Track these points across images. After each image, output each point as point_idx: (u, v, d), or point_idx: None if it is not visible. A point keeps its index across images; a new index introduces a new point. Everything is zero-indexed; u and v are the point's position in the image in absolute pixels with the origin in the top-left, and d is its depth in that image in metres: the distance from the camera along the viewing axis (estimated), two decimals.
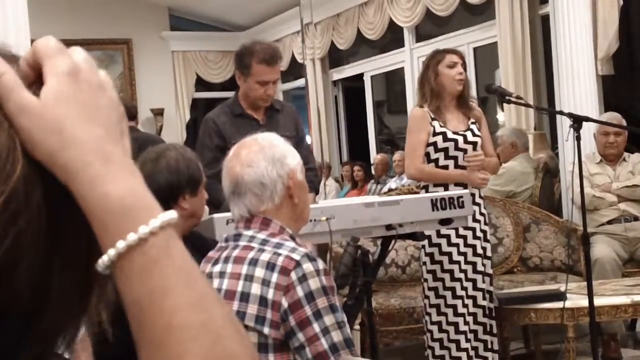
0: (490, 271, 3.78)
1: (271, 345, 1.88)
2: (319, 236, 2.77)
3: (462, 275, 3.66)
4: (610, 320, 4.05)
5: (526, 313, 3.79)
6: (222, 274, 1.98)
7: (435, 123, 3.70)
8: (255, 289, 1.89)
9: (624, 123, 4.71)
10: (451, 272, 3.66)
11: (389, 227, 2.96)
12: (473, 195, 3.58)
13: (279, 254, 1.91)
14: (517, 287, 4.47)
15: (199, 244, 2.56)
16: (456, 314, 3.66)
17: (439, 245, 3.66)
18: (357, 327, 3.75)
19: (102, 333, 2.19)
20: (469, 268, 3.67)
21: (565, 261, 4.86)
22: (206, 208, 2.78)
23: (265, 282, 1.88)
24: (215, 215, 2.64)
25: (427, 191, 3.68)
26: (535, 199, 5.42)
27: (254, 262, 1.92)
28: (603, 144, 4.84)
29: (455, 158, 3.69)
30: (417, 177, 3.83)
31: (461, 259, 3.66)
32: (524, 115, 6.45)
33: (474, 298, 3.67)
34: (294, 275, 1.87)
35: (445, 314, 3.68)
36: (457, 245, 3.66)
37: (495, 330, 3.75)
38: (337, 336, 1.88)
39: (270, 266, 1.89)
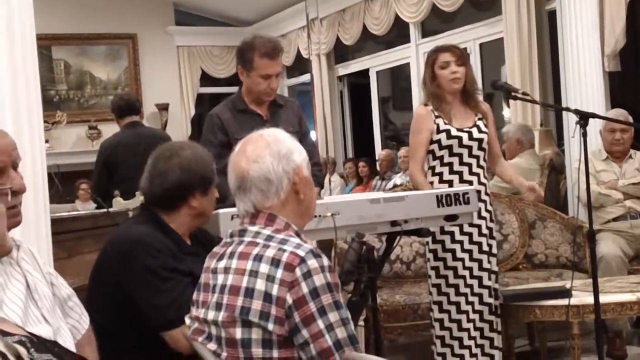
0: (495, 268, 3.76)
1: (275, 341, 1.88)
2: (324, 232, 2.76)
3: (466, 273, 3.65)
4: (615, 318, 4.04)
5: (531, 310, 3.78)
6: (227, 270, 1.98)
7: (440, 120, 3.69)
8: (260, 284, 1.88)
9: (631, 120, 4.70)
10: (454, 269, 3.65)
11: (394, 223, 2.95)
12: (479, 192, 3.56)
13: (284, 250, 1.90)
14: (522, 283, 4.46)
15: (204, 240, 2.56)
16: (459, 311, 3.65)
17: (442, 242, 3.65)
18: (361, 323, 3.74)
19: (104, 327, 2.17)
20: (475, 265, 3.65)
21: (570, 258, 4.85)
22: None
23: (270, 278, 1.88)
24: (221, 211, 2.63)
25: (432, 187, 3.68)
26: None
27: (258, 258, 1.92)
28: (609, 141, 4.82)
29: (459, 155, 3.67)
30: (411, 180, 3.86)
31: (465, 256, 3.65)
32: (530, 111, 6.44)
33: (480, 295, 3.66)
34: (298, 272, 1.86)
35: (448, 311, 3.66)
36: (461, 242, 3.65)
37: (499, 328, 3.74)
38: (342, 333, 1.88)
39: (275, 262, 1.89)
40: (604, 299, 3.49)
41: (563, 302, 3.64)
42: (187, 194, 2.44)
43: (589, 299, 3.45)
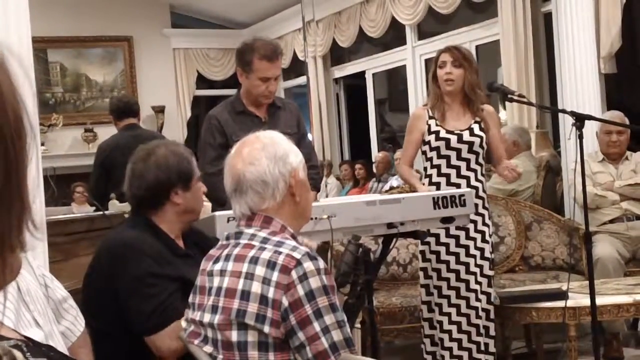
0: (488, 272, 3.71)
1: (271, 344, 1.88)
2: (320, 234, 2.76)
3: (451, 275, 3.65)
4: (612, 320, 4.04)
5: (528, 312, 3.77)
6: (222, 272, 1.98)
7: (432, 122, 3.69)
8: (256, 287, 1.88)
9: (627, 121, 4.70)
10: (439, 271, 3.66)
11: (390, 225, 2.95)
12: None
13: (280, 253, 1.90)
14: (518, 286, 4.45)
15: (200, 242, 2.56)
16: (441, 312, 3.66)
17: (428, 244, 3.66)
18: (358, 325, 3.75)
19: (98, 331, 2.14)
20: (462, 268, 3.64)
21: (567, 260, 4.84)
22: (209, 205, 2.78)
23: (265, 281, 1.87)
24: (217, 213, 2.63)
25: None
26: (538, 197, 5.41)
27: (254, 261, 1.91)
28: (605, 143, 4.82)
29: (447, 157, 3.66)
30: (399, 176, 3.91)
31: (451, 258, 3.65)
32: (526, 113, 6.44)
33: (467, 299, 3.64)
34: (294, 274, 1.86)
35: (433, 311, 3.69)
36: (446, 245, 3.65)
37: (492, 332, 3.70)
38: (338, 335, 1.88)
39: (271, 265, 1.88)
40: (600, 301, 3.49)
41: (560, 304, 3.64)
42: (168, 191, 2.43)
43: (586, 301, 3.45)
